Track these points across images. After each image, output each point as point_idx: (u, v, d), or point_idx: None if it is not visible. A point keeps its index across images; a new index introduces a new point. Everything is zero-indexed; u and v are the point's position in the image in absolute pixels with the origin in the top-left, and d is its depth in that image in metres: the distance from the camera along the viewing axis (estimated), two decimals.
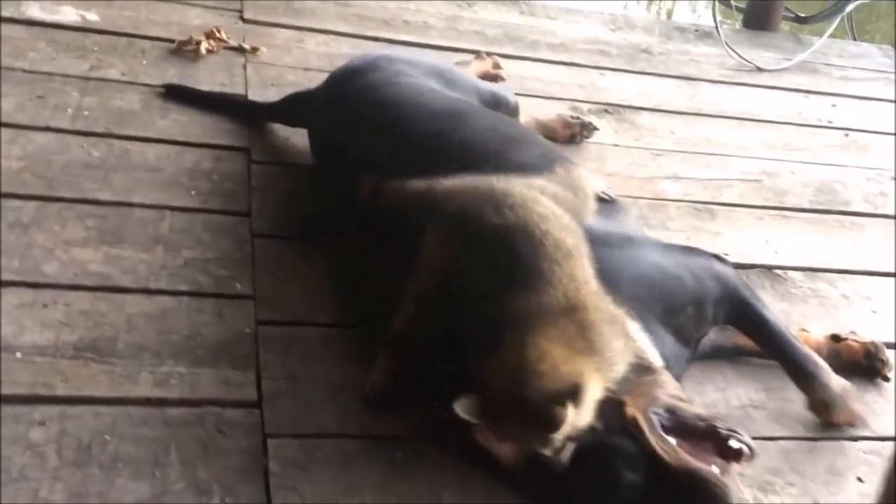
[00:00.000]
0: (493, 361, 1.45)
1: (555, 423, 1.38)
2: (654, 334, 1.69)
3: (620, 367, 1.46)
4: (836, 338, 2.04)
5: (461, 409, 1.42)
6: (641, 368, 1.52)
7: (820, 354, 1.93)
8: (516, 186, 1.63)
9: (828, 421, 1.88)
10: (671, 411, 1.54)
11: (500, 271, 1.53)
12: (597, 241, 1.66)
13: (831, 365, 1.91)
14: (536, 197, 1.61)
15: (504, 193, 1.61)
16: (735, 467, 1.54)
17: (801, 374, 1.87)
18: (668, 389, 1.57)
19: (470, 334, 1.58)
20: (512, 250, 1.54)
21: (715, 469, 1.50)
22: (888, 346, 2.08)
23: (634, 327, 1.57)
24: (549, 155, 1.99)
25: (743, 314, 1.88)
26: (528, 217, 1.57)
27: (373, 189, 1.79)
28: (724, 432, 1.52)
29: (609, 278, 1.59)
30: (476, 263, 1.58)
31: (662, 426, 1.52)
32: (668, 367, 1.67)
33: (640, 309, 1.67)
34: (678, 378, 1.76)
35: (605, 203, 1.85)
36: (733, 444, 1.52)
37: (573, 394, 1.40)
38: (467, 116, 2.04)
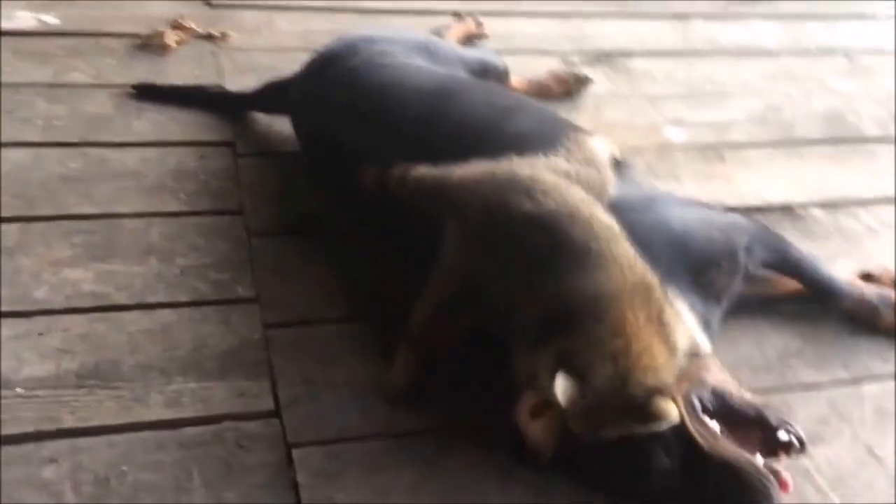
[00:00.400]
0: (571, 343, 1.38)
1: (661, 418, 1.34)
2: (688, 303, 1.61)
3: (683, 352, 1.39)
4: (867, 275, 1.98)
5: (559, 391, 1.34)
6: (692, 353, 1.44)
7: None
8: (541, 171, 1.56)
9: (881, 327, 1.90)
10: (718, 396, 1.47)
11: (551, 257, 1.46)
12: (622, 208, 1.60)
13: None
14: (568, 183, 1.55)
15: (531, 179, 1.54)
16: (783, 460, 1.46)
17: (838, 291, 1.90)
18: (716, 374, 1.49)
19: (512, 324, 1.50)
20: (561, 234, 1.47)
21: (759, 459, 1.43)
22: None
23: (684, 307, 1.49)
24: (546, 120, 1.92)
25: (772, 255, 1.84)
26: (568, 201, 1.51)
27: (377, 178, 1.70)
28: (774, 422, 1.45)
29: (642, 245, 1.52)
30: (513, 253, 1.50)
31: (707, 411, 1.45)
32: (706, 331, 1.61)
33: (673, 276, 1.59)
34: (712, 340, 1.70)
35: (618, 165, 1.77)
36: (782, 435, 1.44)
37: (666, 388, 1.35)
38: (458, 92, 1.95)
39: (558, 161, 1.63)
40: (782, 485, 1.41)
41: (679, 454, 1.42)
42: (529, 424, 1.46)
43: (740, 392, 1.50)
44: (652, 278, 1.44)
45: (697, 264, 1.70)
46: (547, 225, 1.48)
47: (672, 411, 1.33)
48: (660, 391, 1.34)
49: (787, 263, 1.87)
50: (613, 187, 1.65)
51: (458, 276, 1.57)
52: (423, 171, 1.64)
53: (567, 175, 1.59)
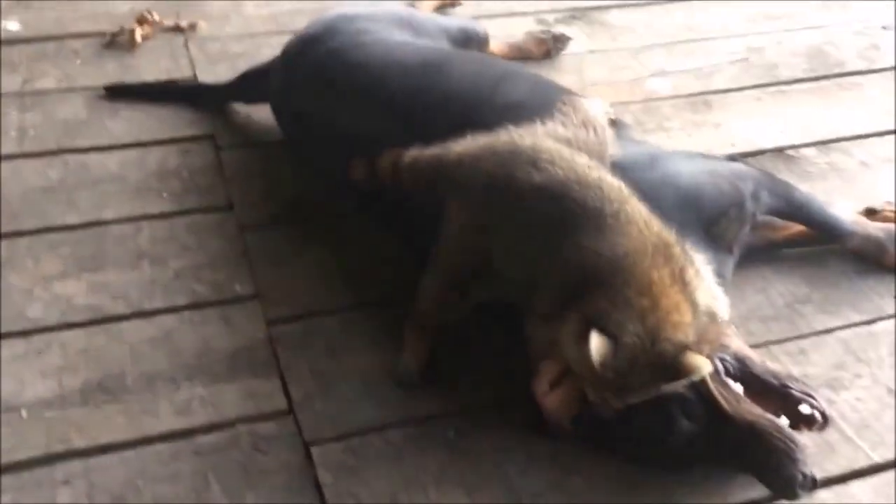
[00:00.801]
0: (597, 305, 1.35)
1: (693, 372, 1.30)
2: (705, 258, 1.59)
3: (703, 311, 1.36)
4: (871, 211, 1.96)
5: (594, 349, 1.29)
6: (711, 313, 1.40)
7: None
8: (542, 140, 1.52)
9: (889, 264, 1.89)
10: (740, 361, 1.45)
11: (564, 223, 1.43)
12: (627, 167, 1.58)
13: None
14: (571, 150, 1.51)
15: (534, 149, 1.50)
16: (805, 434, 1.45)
17: (844, 231, 1.89)
18: (735, 340, 1.48)
19: (529, 295, 1.47)
20: (573, 200, 1.43)
21: (783, 420, 1.41)
22: None
23: (703, 264, 1.46)
24: (537, 86, 1.89)
25: (778, 201, 1.82)
26: (575, 168, 1.47)
27: (367, 169, 1.66)
28: (797, 394, 1.44)
29: (652, 202, 1.49)
30: (523, 223, 1.46)
31: (729, 374, 1.43)
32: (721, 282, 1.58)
33: (686, 230, 1.56)
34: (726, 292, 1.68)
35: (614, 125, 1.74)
36: (804, 409, 1.43)
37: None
38: (443, 65, 1.90)
39: (556, 127, 1.59)
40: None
41: (701, 416, 1.41)
42: (548, 395, 1.44)
43: (763, 361, 1.48)
44: (669, 235, 1.42)
45: (708, 216, 1.69)
46: (559, 193, 1.45)
47: (703, 364, 1.30)
48: (689, 346, 1.31)
49: (793, 207, 1.85)
50: (614, 147, 1.62)
51: (465, 254, 1.54)
52: (416, 153, 1.60)
53: (567, 141, 1.55)
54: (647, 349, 1.30)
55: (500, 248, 1.49)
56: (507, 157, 1.51)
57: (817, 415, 1.43)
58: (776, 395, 1.45)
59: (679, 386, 1.32)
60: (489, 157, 1.53)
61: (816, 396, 1.45)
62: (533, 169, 1.47)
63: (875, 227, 1.91)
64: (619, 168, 1.55)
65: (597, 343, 1.29)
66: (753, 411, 1.40)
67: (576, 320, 1.35)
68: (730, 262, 1.73)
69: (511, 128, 1.57)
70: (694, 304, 1.34)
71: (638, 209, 1.44)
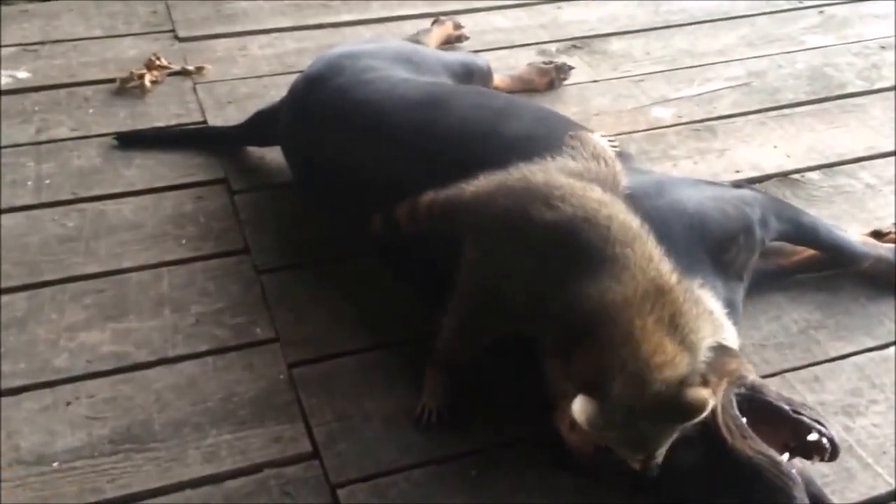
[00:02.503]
0: (585, 356, 1.35)
1: (699, 406, 1.29)
2: (713, 287, 1.60)
3: (708, 349, 1.36)
4: (877, 233, 1.97)
5: (578, 412, 1.30)
6: (722, 348, 1.42)
7: None
8: (555, 175, 1.53)
9: (893, 285, 1.91)
10: (756, 391, 1.46)
11: (564, 264, 1.43)
12: (637, 197, 1.58)
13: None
14: (584, 185, 1.51)
15: (547, 185, 1.50)
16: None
17: (855, 253, 1.90)
18: (752, 371, 1.48)
19: (536, 336, 1.48)
20: (576, 241, 1.43)
21: (785, 458, 1.41)
22: None
23: (714, 303, 1.48)
24: (542, 118, 1.90)
25: (786, 225, 1.82)
26: (586, 205, 1.47)
27: (386, 221, 1.68)
28: (808, 421, 1.43)
29: (661, 231, 1.49)
30: (536, 263, 1.47)
31: (742, 406, 1.43)
32: (732, 314, 1.60)
33: (695, 259, 1.59)
34: (736, 322, 1.69)
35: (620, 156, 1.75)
36: (812, 437, 1.42)
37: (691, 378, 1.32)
38: (448, 100, 1.91)
39: (567, 161, 1.60)
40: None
41: (703, 450, 1.41)
42: (570, 435, 1.45)
43: (776, 390, 1.49)
44: (668, 279, 1.41)
45: (717, 243, 1.68)
46: (564, 232, 1.45)
47: (706, 398, 1.30)
48: (685, 382, 1.31)
49: (802, 231, 1.85)
50: (624, 178, 1.62)
51: (481, 293, 1.55)
52: (432, 195, 1.62)
53: (580, 175, 1.56)
54: (640, 396, 1.30)
55: (512, 287, 1.49)
56: (521, 193, 1.52)
57: (825, 442, 1.43)
58: (788, 423, 1.45)
59: (691, 424, 1.32)
60: (503, 194, 1.53)
61: (826, 424, 1.45)
62: (545, 207, 1.48)
63: (886, 249, 1.92)
64: (629, 198, 1.55)
65: (579, 406, 1.30)
66: (754, 446, 1.40)
67: (575, 375, 1.36)
68: (740, 290, 1.74)
69: (523, 164, 1.58)
70: (689, 345, 1.34)
71: (642, 251, 1.43)
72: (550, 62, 2.60)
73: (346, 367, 1.74)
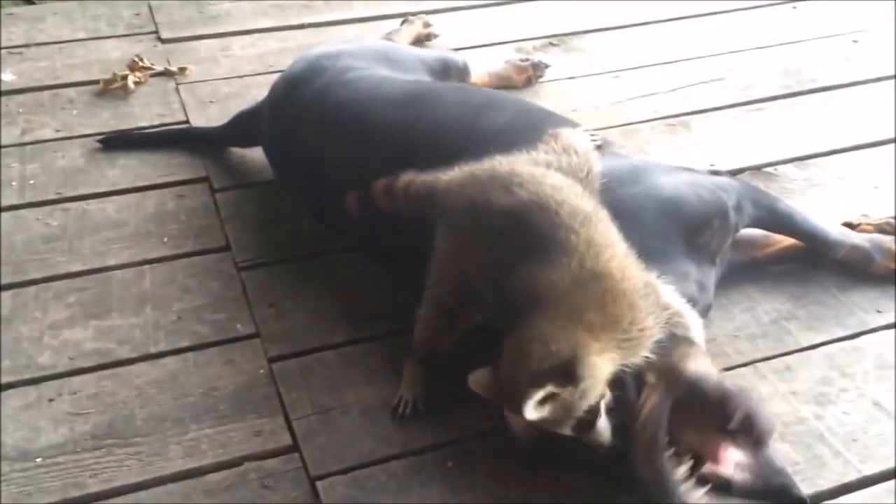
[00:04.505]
0: (508, 341, 1.39)
1: (523, 404, 1.31)
2: (682, 274, 1.63)
3: (647, 339, 1.38)
4: (848, 225, 2.00)
5: (473, 382, 1.39)
6: (676, 338, 1.44)
7: None
8: (521, 164, 1.56)
9: (875, 273, 1.93)
10: (694, 385, 1.42)
11: (513, 248, 1.46)
12: (612, 184, 1.62)
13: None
14: (544, 171, 1.54)
15: (510, 173, 1.54)
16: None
17: (831, 241, 1.92)
18: (699, 362, 1.46)
19: (495, 321, 1.49)
20: (526, 225, 1.46)
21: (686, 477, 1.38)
22: None
23: (669, 292, 1.50)
24: (521, 111, 1.93)
25: (762, 212, 1.85)
26: (540, 190, 1.49)
27: (362, 198, 1.71)
28: (739, 415, 1.38)
29: (635, 217, 1.53)
30: (491, 248, 1.50)
31: (677, 402, 1.41)
32: (696, 302, 1.63)
33: (668, 242, 1.62)
34: (709, 305, 1.75)
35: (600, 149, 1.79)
36: (732, 425, 1.39)
37: (565, 372, 1.32)
38: (429, 97, 1.94)
39: (537, 154, 1.62)
40: None
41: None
42: (514, 418, 1.46)
43: (719, 381, 1.45)
44: (609, 265, 1.41)
45: (691, 227, 1.70)
46: (516, 216, 1.48)
47: (600, 366, 1.32)
48: (584, 349, 1.33)
49: (777, 218, 1.88)
50: (599, 165, 1.64)
51: (452, 280, 1.58)
52: (411, 177, 1.65)
53: (546, 164, 1.58)
54: (549, 356, 1.32)
55: (476, 273, 1.52)
56: (485, 182, 1.55)
57: (745, 432, 1.39)
58: (719, 411, 1.40)
59: (582, 391, 1.32)
60: (470, 184, 1.57)
61: (760, 415, 1.40)
62: (504, 192, 1.51)
63: (860, 237, 1.95)
64: (605, 185, 1.58)
65: (474, 377, 1.40)
66: (656, 462, 1.38)
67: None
68: (713, 274, 1.77)
69: (497, 156, 1.60)
70: (618, 329, 1.35)
71: (587, 236, 1.43)
72: (527, 59, 2.62)
73: (326, 361, 1.77)
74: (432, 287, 1.62)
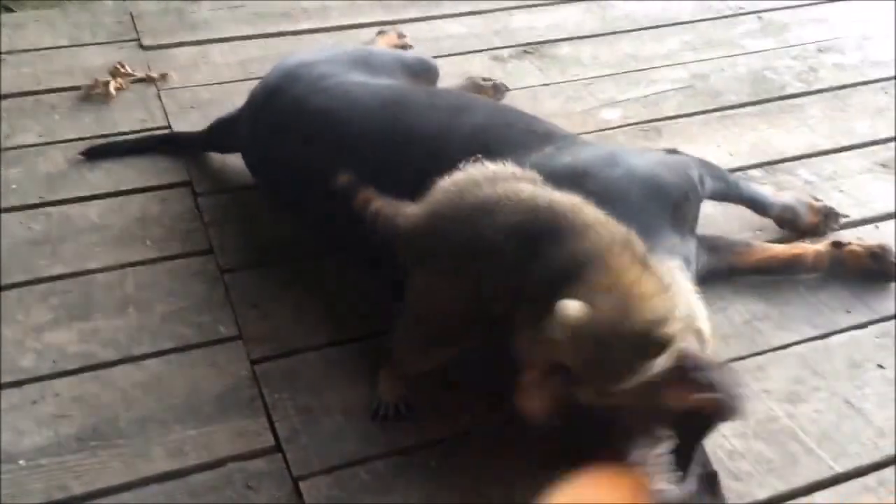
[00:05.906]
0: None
1: (662, 345, 1.32)
2: (670, 248, 1.70)
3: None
4: (837, 244, 2.02)
5: (566, 311, 1.34)
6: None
7: (822, 264, 2.00)
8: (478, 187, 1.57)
9: (802, 231, 2.12)
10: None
11: (529, 249, 1.47)
12: (594, 169, 1.71)
13: (836, 271, 2.00)
14: (515, 185, 1.56)
15: (499, 197, 1.54)
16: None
17: (768, 203, 2.12)
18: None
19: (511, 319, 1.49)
20: (532, 225, 1.48)
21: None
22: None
23: (674, 264, 1.54)
24: (495, 110, 2.01)
25: (719, 183, 2.00)
26: (521, 196, 1.52)
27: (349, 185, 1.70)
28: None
29: (621, 197, 1.59)
30: (501, 261, 1.49)
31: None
32: (689, 267, 1.72)
33: (656, 218, 1.69)
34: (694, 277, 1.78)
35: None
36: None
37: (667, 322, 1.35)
38: (403, 101, 1.97)
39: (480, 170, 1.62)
40: None
41: None
42: (530, 396, 1.44)
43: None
44: (628, 232, 1.46)
45: (672, 203, 1.78)
46: (513, 227, 1.49)
47: (670, 341, 1.33)
48: (660, 322, 1.34)
49: (730, 187, 2.06)
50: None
51: (435, 319, 1.57)
52: (379, 204, 1.63)
53: (495, 175, 1.60)
54: (620, 322, 1.33)
55: (473, 297, 1.51)
56: (456, 213, 1.55)
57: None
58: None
59: (660, 364, 1.33)
60: (438, 220, 1.57)
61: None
62: (484, 215, 1.52)
63: (789, 197, 2.16)
64: (588, 170, 1.67)
65: (567, 306, 1.34)
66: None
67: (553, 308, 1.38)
68: (693, 244, 1.83)
69: (439, 183, 1.60)
70: (659, 281, 1.38)
71: (593, 214, 1.49)
72: (489, 80, 2.61)
73: (308, 362, 1.79)
74: (411, 322, 1.61)
